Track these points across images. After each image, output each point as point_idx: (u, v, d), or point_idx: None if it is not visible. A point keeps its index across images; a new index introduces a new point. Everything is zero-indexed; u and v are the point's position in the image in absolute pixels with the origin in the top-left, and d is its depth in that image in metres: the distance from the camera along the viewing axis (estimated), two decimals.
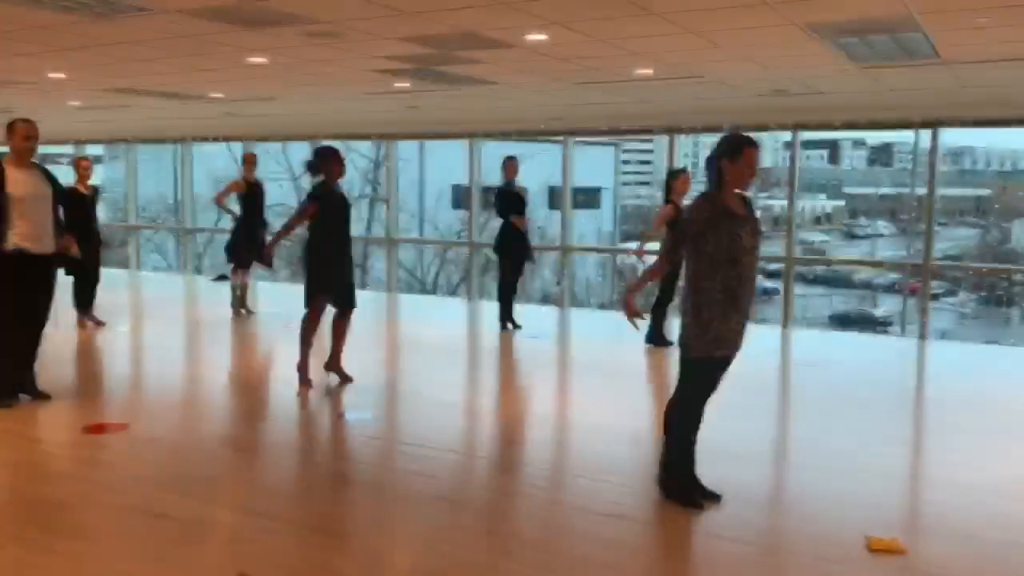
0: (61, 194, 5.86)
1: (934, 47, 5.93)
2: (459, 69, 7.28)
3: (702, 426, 4.10)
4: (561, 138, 10.67)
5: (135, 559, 3.51)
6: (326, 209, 6.04)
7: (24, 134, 5.45)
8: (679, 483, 4.10)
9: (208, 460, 4.88)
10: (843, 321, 28.00)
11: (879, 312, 29.05)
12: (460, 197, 20.10)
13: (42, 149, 16.69)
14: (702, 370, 3.98)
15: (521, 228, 8.66)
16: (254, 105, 10.39)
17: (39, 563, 3.44)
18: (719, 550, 3.78)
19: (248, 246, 9.09)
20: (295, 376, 6.19)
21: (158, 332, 9.25)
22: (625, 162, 38.09)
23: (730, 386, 4.16)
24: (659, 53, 6.42)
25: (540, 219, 17.50)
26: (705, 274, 3.88)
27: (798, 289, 30.90)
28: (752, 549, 3.75)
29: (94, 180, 9.13)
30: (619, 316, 4.18)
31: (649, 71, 7.24)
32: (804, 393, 6.98)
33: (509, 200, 8.69)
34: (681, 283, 4.36)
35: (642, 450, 4.97)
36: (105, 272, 8.93)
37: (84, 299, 8.57)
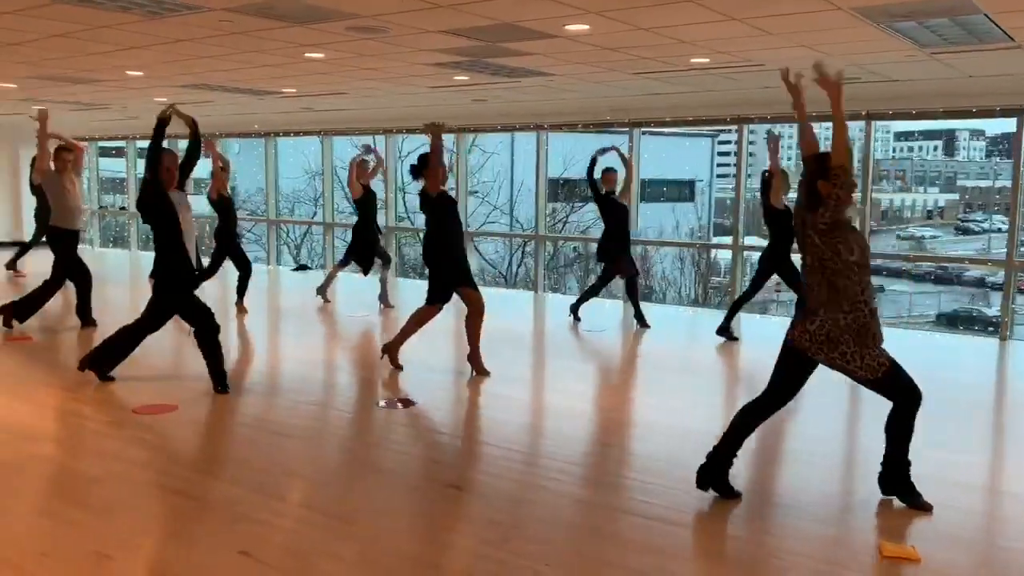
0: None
1: (1004, 30, 5.57)
2: (510, 61, 7.28)
3: (735, 427, 4.03)
4: (627, 129, 10.55)
5: (148, 534, 3.69)
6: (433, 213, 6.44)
7: (166, 165, 5.84)
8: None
9: (243, 443, 5.06)
10: (952, 320, 26.64)
11: (992, 312, 27.46)
12: (552, 190, 20.13)
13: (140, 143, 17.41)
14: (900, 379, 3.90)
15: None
16: (328, 100, 10.67)
17: (56, 534, 3.65)
18: (731, 550, 3.69)
19: (366, 250, 9.48)
20: (348, 363, 6.37)
21: (231, 319, 9.63)
22: (722, 154, 37.30)
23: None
24: (708, 41, 6.25)
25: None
26: (857, 286, 3.77)
27: (904, 287, 29.56)
28: (762, 551, 3.63)
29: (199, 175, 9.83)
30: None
31: (705, 60, 7.06)
32: (857, 394, 6.70)
33: (612, 208, 8.70)
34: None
35: (690, 449, 4.88)
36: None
37: (242, 289, 9.46)
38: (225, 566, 3.35)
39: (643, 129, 10.56)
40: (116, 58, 7.46)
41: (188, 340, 8.28)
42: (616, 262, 8.77)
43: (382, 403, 5.85)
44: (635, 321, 8.80)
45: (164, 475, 4.42)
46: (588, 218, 22.75)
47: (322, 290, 9.99)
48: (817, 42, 6.17)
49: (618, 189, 8.79)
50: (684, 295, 23.00)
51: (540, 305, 10.91)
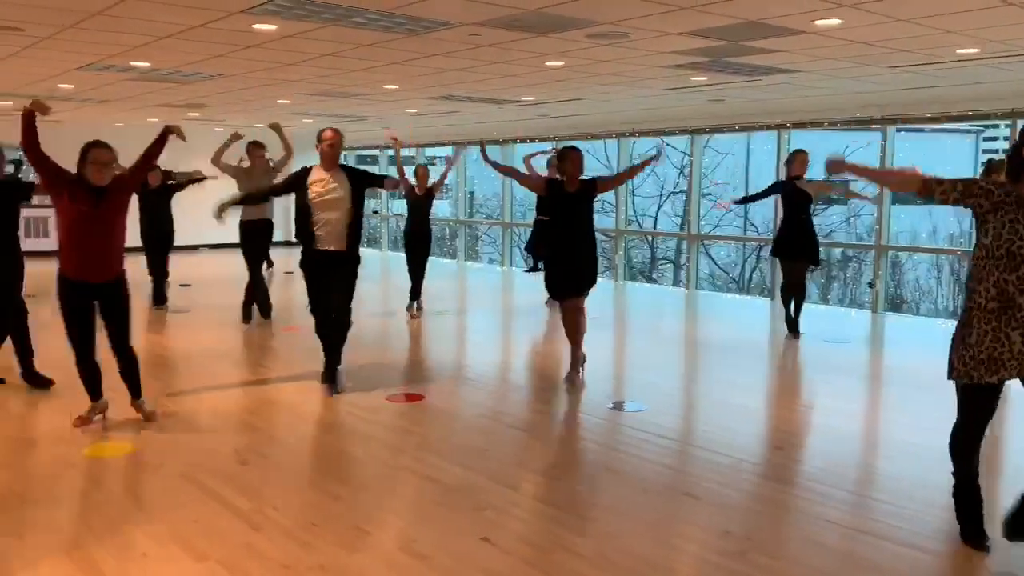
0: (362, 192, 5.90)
1: None
2: (753, 59, 7.08)
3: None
4: (878, 126, 9.87)
5: (400, 513, 3.99)
6: (548, 206, 6.39)
7: (329, 141, 5.74)
8: (962, 514, 3.65)
9: (483, 433, 5.32)
10: None
11: None
12: None
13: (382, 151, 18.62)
14: (968, 398, 3.48)
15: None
16: (564, 106, 10.94)
17: (323, 507, 4.05)
18: None
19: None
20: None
21: (470, 316, 10.17)
22: (988, 151, 33.87)
23: None
24: (977, 30, 5.72)
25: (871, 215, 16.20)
26: (979, 274, 3.38)
27: None
28: None
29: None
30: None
31: (974, 50, 6.47)
32: None
33: (792, 193, 8.08)
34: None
35: (938, 470, 4.53)
36: (438, 263, 9.93)
37: (413, 291, 9.61)
38: (468, 550, 3.54)
39: (898, 126, 9.83)
40: (376, 73, 8.12)
41: (430, 332, 8.85)
42: (787, 254, 8.16)
43: (610, 404, 5.92)
44: (786, 327, 8.30)
45: (413, 459, 4.76)
46: (831, 220, 21.52)
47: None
48: None
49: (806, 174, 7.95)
50: (941, 306, 21.09)
51: (776, 312, 10.47)
